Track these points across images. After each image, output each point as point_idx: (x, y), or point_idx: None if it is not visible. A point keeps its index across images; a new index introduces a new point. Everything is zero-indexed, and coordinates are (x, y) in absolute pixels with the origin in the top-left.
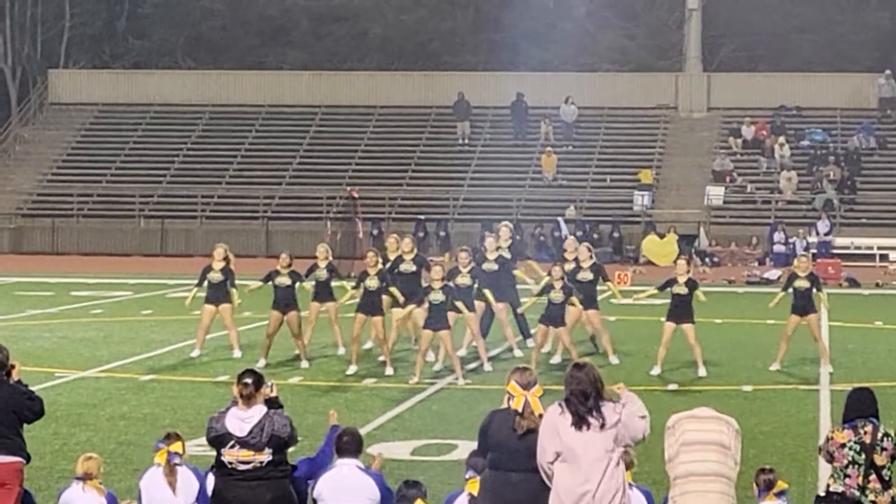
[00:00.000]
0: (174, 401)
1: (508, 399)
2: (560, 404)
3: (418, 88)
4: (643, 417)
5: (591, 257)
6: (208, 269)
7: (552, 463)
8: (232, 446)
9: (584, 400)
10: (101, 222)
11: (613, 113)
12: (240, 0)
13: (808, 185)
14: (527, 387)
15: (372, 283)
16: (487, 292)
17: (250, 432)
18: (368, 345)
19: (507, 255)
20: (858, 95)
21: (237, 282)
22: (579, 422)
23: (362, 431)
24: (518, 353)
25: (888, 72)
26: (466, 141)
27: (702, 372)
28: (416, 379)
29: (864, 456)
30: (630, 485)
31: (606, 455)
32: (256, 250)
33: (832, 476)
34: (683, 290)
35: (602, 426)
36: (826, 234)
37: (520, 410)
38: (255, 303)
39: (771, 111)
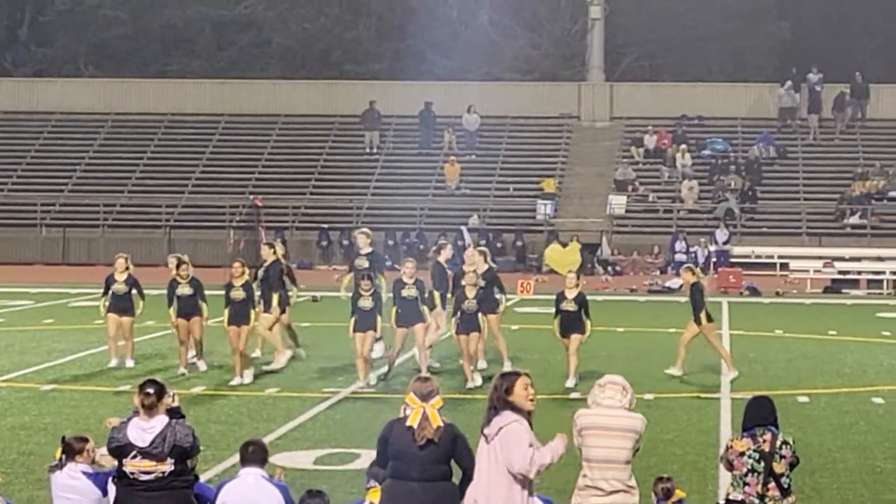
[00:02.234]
0: (76, 410)
1: (405, 409)
2: None
3: (322, 97)
4: (536, 456)
5: (485, 262)
6: (111, 279)
7: None
8: (134, 456)
9: (488, 408)
10: (1, 231)
11: (516, 122)
12: (143, 8)
13: (709, 194)
14: (426, 398)
15: (238, 294)
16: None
17: (152, 442)
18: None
19: (366, 263)
20: (759, 105)
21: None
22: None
23: (265, 440)
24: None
25: (788, 82)
26: (374, 150)
27: (570, 382)
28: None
29: (762, 464)
30: (531, 494)
31: (491, 468)
32: (159, 259)
33: (732, 484)
34: (572, 307)
35: (486, 436)
36: (724, 243)
37: (415, 426)
38: (157, 312)
39: (673, 121)
